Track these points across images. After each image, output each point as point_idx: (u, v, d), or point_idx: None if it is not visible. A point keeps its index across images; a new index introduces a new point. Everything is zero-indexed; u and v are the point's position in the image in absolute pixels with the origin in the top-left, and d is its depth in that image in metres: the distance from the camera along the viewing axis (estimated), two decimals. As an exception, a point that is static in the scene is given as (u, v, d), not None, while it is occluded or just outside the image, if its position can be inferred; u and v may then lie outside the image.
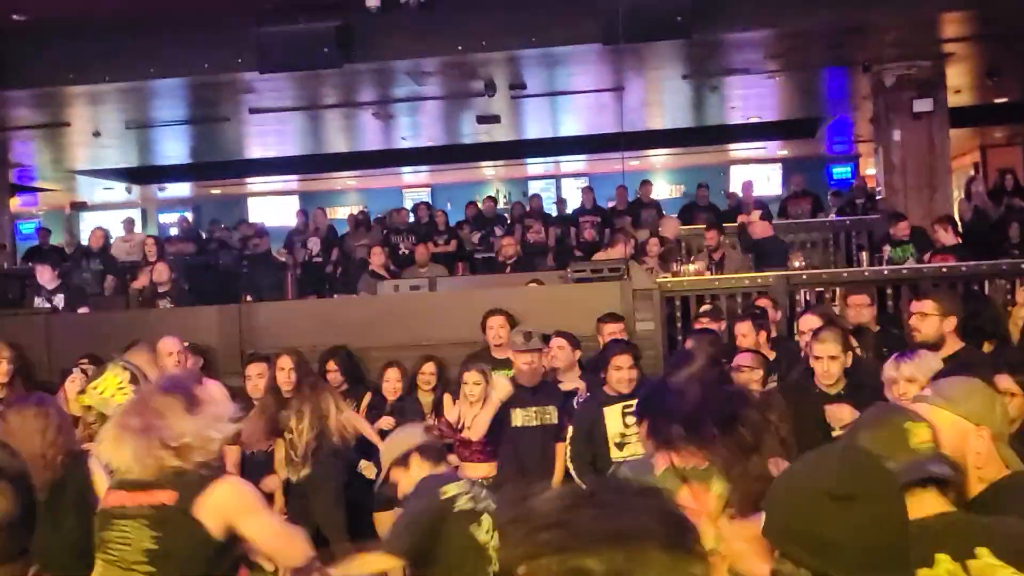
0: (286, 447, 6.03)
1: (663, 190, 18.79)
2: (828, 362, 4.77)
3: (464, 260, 13.10)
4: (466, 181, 20.18)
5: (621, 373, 5.36)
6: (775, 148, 19.16)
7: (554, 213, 15.49)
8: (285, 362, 6.09)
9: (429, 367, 6.71)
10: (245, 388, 6.27)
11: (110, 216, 17.74)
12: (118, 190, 19.23)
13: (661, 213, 13.04)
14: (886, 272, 8.45)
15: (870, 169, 16.58)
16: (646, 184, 14.52)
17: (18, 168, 16.01)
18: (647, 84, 13.15)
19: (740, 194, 14.10)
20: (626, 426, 5.18)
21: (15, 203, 16.75)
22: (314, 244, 13.30)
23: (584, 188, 15.35)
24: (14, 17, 9.75)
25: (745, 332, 6.12)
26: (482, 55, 10.56)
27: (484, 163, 19.38)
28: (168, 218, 19.96)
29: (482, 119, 13.57)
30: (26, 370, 6.37)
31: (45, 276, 9.11)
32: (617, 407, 5.31)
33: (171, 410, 2.88)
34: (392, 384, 6.64)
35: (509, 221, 14.21)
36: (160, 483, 2.85)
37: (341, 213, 17.70)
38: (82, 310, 8.81)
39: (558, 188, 20.06)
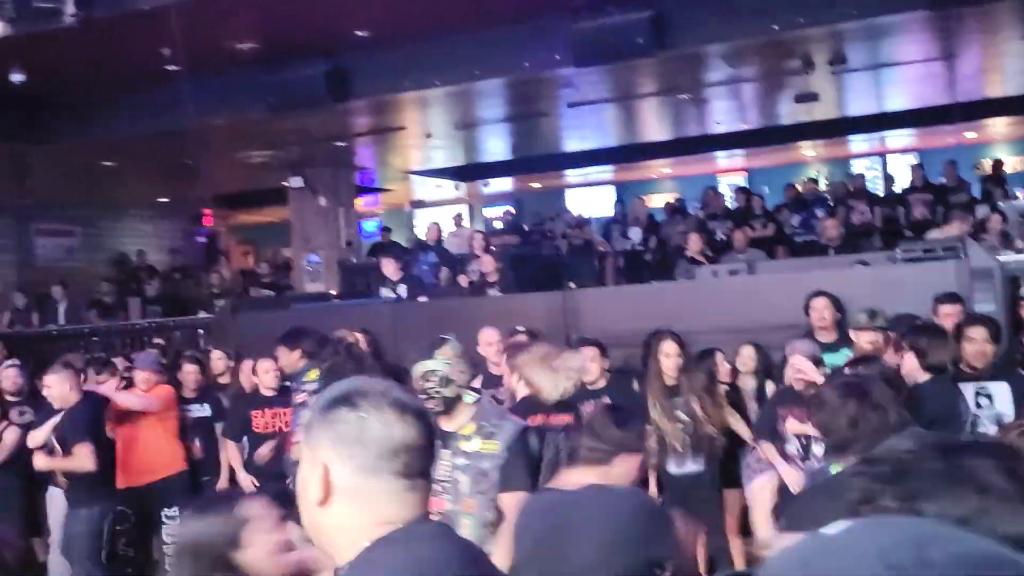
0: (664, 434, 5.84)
1: (1006, 162, 17.27)
2: None
3: (783, 244, 12.76)
4: (783, 163, 19.58)
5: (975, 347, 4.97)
6: None
7: (880, 192, 14.71)
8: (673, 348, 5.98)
9: (748, 351, 6.65)
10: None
11: (442, 212, 18.99)
12: (447, 187, 20.48)
13: (1006, 186, 12.05)
14: None
15: None
16: (990, 158, 13.45)
17: (360, 171, 17.51)
18: (982, 49, 12.15)
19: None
20: (979, 407, 4.86)
21: (359, 203, 18.33)
22: (635, 234, 13.47)
23: (913, 165, 14.48)
24: (357, 34, 10.68)
25: None
26: (799, 32, 10.22)
27: (802, 143, 18.73)
28: (493, 212, 20.97)
29: (800, 98, 13.13)
30: (378, 352, 6.97)
31: (389, 269, 9.90)
32: (970, 385, 4.96)
33: None
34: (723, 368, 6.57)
35: (831, 202, 13.67)
36: None
37: (656, 201, 17.81)
38: (421, 299, 9.50)
39: (884, 165, 18.98)
